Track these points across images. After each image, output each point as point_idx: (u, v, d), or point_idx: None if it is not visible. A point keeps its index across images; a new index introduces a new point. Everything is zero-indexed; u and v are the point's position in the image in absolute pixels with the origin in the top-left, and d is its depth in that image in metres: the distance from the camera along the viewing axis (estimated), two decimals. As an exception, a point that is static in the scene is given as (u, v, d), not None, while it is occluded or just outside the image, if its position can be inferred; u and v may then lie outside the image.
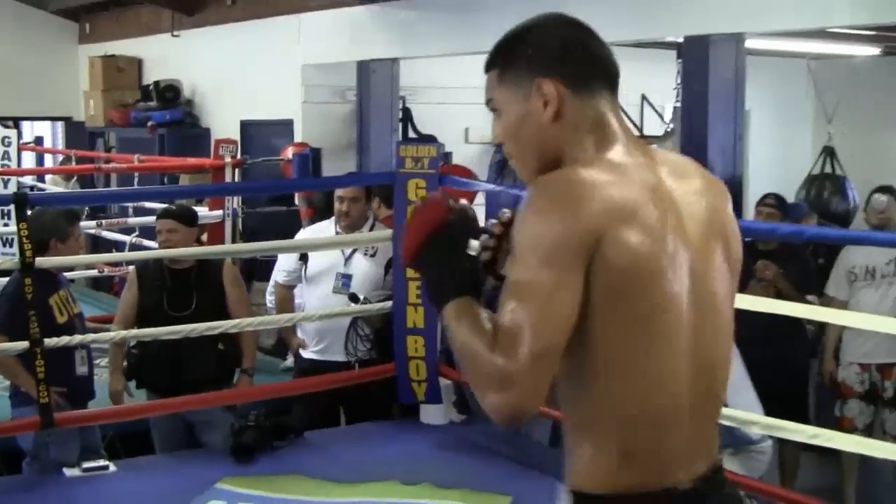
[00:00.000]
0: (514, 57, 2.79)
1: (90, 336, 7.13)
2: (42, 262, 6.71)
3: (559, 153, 2.74)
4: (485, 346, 2.51)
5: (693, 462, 2.74)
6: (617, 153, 2.71)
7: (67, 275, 8.24)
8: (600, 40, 2.84)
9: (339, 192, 8.05)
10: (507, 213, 2.85)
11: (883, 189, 8.60)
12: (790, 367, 8.01)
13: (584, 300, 2.54)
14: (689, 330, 2.69)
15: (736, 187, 8.08)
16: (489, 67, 2.86)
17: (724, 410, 5.94)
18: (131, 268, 7.96)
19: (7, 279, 7.28)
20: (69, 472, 6.88)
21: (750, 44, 8.24)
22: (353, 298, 7.71)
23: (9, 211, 12.94)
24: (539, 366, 2.49)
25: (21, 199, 6.81)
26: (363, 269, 7.93)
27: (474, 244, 2.90)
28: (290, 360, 9.23)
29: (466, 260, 2.81)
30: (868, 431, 8.03)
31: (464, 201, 3.00)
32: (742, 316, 6.42)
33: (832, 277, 8.34)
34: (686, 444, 2.72)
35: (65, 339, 6.71)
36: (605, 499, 2.70)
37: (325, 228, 8.26)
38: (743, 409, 6.12)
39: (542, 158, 2.76)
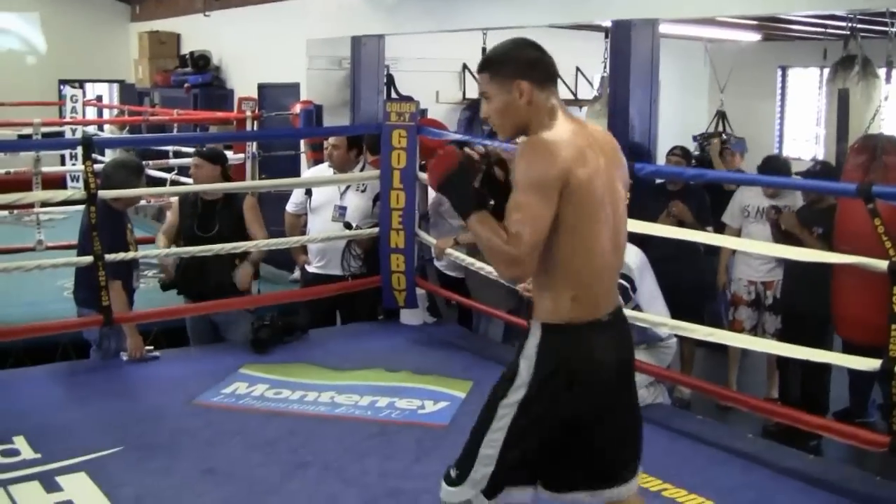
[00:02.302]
0: (501, 66, 3.49)
1: (141, 252, 7.10)
2: (103, 194, 6.63)
3: (527, 124, 3.47)
4: (500, 240, 3.27)
5: (609, 304, 3.53)
6: (563, 123, 3.45)
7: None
8: (550, 56, 3.56)
9: (328, 141, 8.06)
10: (480, 148, 3.78)
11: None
12: (690, 281, 8.01)
13: (559, 208, 3.29)
14: (610, 220, 3.46)
15: (650, 141, 8.05)
16: (482, 70, 3.54)
17: (640, 314, 6.00)
18: (174, 198, 7.89)
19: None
20: (125, 356, 6.89)
21: (662, 29, 8.17)
22: (347, 225, 7.67)
23: (75, 153, 12.94)
24: (532, 251, 3.27)
25: (88, 141, 6.79)
26: (355, 202, 7.86)
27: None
28: (296, 274, 9.20)
29: (476, 188, 3.47)
30: (753, 332, 8.12)
31: (469, 152, 3.60)
32: (655, 241, 6.47)
33: (728, 210, 8.39)
34: (605, 292, 3.51)
35: (120, 256, 6.67)
36: (561, 326, 3.43)
37: (325, 169, 8.20)
38: (655, 314, 6.13)
39: (516, 127, 3.51)
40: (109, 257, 6.58)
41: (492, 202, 3.44)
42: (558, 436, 3.45)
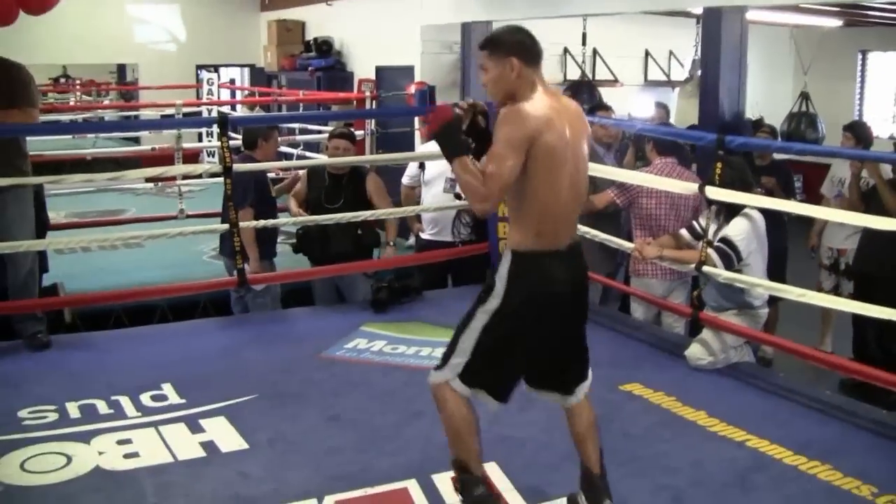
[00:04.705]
0: (498, 46, 3.93)
1: (275, 221, 7.22)
2: (237, 167, 6.76)
3: (514, 93, 3.88)
4: (477, 181, 3.73)
5: (568, 236, 3.97)
6: (540, 96, 3.88)
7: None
8: (538, 42, 3.99)
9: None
10: (469, 100, 4.08)
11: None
12: (777, 249, 7.97)
13: (527, 161, 3.74)
14: (572, 172, 3.89)
15: (739, 118, 8.00)
16: (483, 48, 3.98)
17: (738, 276, 5.95)
18: (303, 171, 7.99)
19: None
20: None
21: (750, 16, 8.10)
22: (458, 196, 7.68)
23: (211, 131, 13.16)
24: (499, 191, 3.75)
25: (224, 119, 6.84)
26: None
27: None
28: (411, 240, 9.27)
29: (463, 137, 3.91)
30: (835, 292, 8.25)
31: (460, 105, 4.01)
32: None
33: (826, 181, 8.62)
34: (564, 227, 3.95)
35: (254, 223, 6.83)
36: (527, 253, 3.87)
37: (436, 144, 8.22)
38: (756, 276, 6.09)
39: (506, 94, 3.90)
40: (244, 225, 6.75)
41: (473, 144, 3.96)
42: (522, 340, 3.91)
